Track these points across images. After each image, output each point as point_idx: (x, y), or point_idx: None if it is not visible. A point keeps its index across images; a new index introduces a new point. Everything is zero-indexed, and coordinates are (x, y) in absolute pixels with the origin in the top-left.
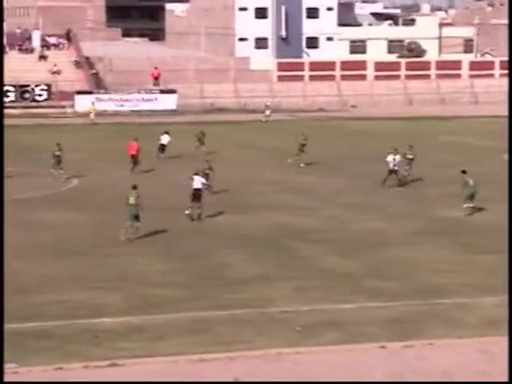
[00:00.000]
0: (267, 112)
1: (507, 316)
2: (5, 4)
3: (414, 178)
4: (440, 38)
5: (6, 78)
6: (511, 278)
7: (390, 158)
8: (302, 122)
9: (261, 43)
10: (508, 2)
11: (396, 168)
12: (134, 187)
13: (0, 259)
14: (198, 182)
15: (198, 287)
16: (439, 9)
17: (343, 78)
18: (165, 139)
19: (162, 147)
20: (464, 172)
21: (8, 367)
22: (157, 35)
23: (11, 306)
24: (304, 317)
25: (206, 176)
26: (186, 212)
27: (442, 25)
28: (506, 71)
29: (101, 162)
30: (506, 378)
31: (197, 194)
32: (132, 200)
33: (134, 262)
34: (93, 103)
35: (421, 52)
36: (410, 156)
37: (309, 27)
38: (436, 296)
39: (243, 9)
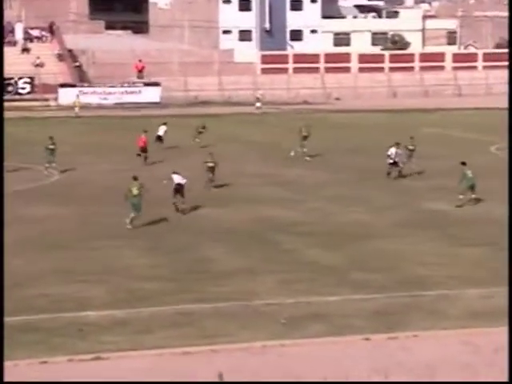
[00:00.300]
0: (258, 104)
1: (496, 308)
2: None
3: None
4: (423, 30)
5: None
6: (511, 271)
7: (392, 150)
8: (286, 114)
9: (245, 36)
10: (508, 3)
11: (396, 160)
12: (135, 178)
13: (0, 260)
14: (178, 178)
15: (182, 281)
16: (423, 1)
17: (327, 70)
18: (162, 130)
19: (159, 138)
20: (464, 164)
21: None
22: (140, 28)
23: None
24: (289, 309)
25: (210, 169)
26: (173, 201)
27: (425, 17)
28: (490, 63)
29: (85, 155)
30: (491, 371)
31: (179, 189)
32: (135, 191)
33: (119, 255)
34: (77, 96)
35: (404, 44)
36: (411, 147)
37: (293, 19)
38: (421, 288)
39: (227, 1)
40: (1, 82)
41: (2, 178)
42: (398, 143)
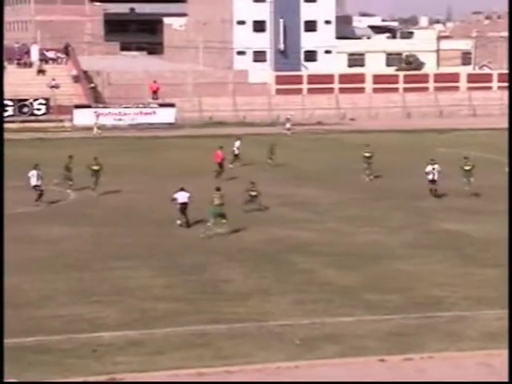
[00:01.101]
0: (288, 125)
1: (507, 327)
2: (4, 18)
3: (411, 190)
4: (438, 50)
5: (5, 93)
6: (511, 290)
7: (429, 168)
8: (300, 135)
9: (259, 56)
10: (508, 12)
11: (435, 178)
12: (218, 189)
13: (0, 261)
14: (183, 197)
15: (197, 301)
16: (437, 22)
17: (341, 90)
18: (236, 146)
19: (235, 154)
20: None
21: (6, 383)
22: (155, 49)
23: (10, 320)
24: (303, 330)
25: (252, 198)
26: (178, 222)
27: (440, 37)
28: (504, 84)
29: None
30: None
31: (184, 208)
32: (217, 201)
33: (134, 275)
34: (97, 117)
35: (419, 65)
36: (467, 168)
37: (307, 40)
38: (436, 309)
39: (241, 22)
40: (1, 93)
41: (3, 183)
42: (432, 159)
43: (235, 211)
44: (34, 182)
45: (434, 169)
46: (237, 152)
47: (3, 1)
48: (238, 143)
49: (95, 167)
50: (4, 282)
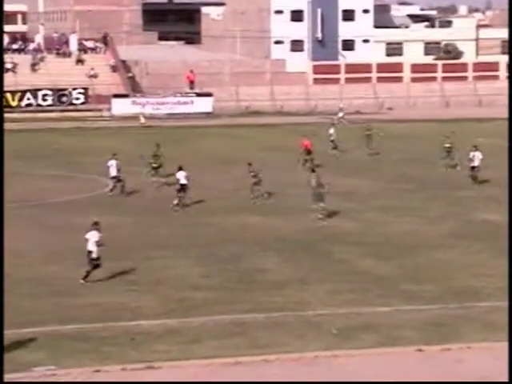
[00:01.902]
0: (340, 114)
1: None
2: (43, 8)
3: (449, 179)
4: (477, 39)
5: (45, 82)
6: (511, 283)
7: (471, 154)
8: (338, 124)
9: (296, 46)
10: (508, 12)
11: (476, 164)
12: (313, 170)
13: (0, 260)
14: (182, 176)
15: (234, 290)
16: (476, 10)
17: (379, 80)
18: (331, 132)
19: (332, 141)
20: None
21: (46, 369)
22: (193, 38)
23: (49, 308)
24: (340, 320)
25: (257, 182)
26: (174, 202)
27: (479, 26)
28: None
29: (138, 165)
30: None
31: (181, 188)
32: (313, 182)
33: (171, 265)
34: (143, 107)
35: (458, 54)
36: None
37: (345, 29)
38: (473, 299)
39: (279, 11)
40: (1, 79)
41: (3, 180)
42: (475, 146)
43: (271, 200)
44: (113, 172)
45: (474, 155)
46: (333, 138)
47: (3, 1)
48: (332, 130)
49: (157, 153)
50: (42, 270)
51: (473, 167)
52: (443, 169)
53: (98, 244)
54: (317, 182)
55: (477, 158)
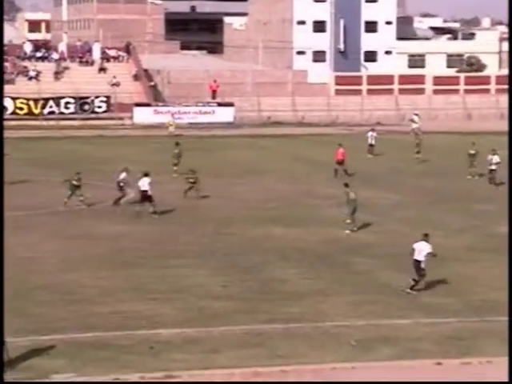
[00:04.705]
0: (414, 125)
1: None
2: (66, 17)
3: (470, 192)
4: (500, 52)
5: (67, 90)
6: (511, 291)
7: (489, 157)
8: (358, 135)
9: (319, 56)
10: (508, 12)
11: (494, 168)
12: (346, 185)
13: (0, 261)
14: (144, 183)
15: (253, 300)
16: (500, 23)
17: (401, 91)
18: (371, 138)
19: (371, 145)
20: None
21: (66, 377)
22: (215, 48)
23: (67, 316)
24: (359, 332)
25: (191, 185)
26: (136, 209)
27: (502, 39)
28: None
29: (158, 174)
30: None
31: (145, 196)
32: (352, 195)
33: (192, 274)
34: (172, 115)
35: (480, 66)
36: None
37: (367, 41)
38: (494, 313)
39: (301, 22)
40: (1, 84)
41: (2, 180)
42: (494, 149)
43: (291, 211)
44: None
45: (491, 159)
46: (372, 142)
47: (3, 1)
48: (370, 133)
49: (175, 151)
50: (61, 278)
51: (491, 170)
52: (469, 176)
53: (431, 255)
54: (355, 195)
55: (494, 161)
